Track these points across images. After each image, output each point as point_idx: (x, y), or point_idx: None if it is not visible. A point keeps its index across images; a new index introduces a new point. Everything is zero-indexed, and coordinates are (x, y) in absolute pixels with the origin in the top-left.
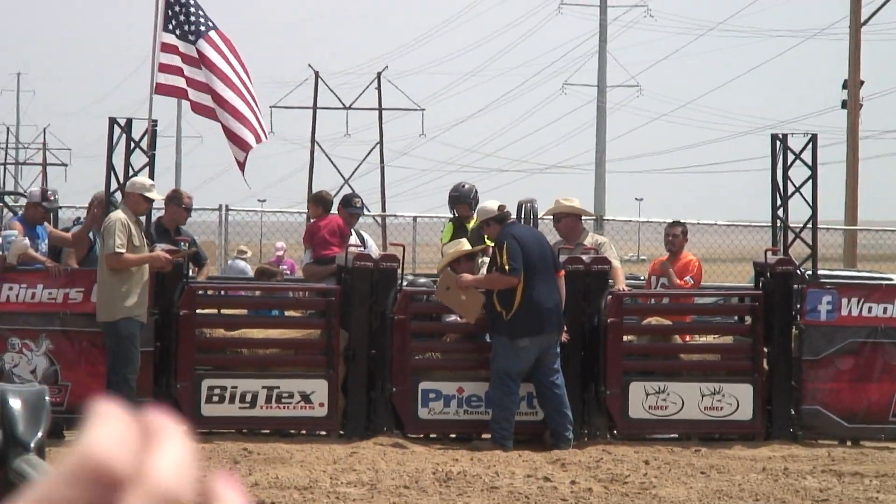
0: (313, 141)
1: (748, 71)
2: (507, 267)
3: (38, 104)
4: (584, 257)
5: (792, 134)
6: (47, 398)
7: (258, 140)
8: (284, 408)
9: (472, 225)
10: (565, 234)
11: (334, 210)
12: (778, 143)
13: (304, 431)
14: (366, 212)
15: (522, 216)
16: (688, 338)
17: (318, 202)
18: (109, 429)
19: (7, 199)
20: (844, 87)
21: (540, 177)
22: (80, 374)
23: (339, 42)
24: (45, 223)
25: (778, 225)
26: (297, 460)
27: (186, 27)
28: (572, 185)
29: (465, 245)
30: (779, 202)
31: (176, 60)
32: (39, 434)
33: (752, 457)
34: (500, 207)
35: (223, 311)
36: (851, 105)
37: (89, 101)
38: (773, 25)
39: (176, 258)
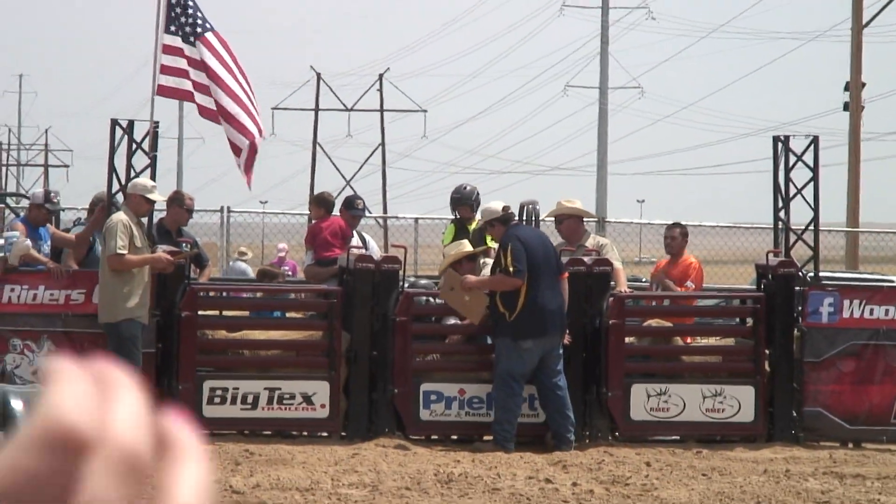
0: (315, 142)
1: (750, 73)
2: (511, 268)
3: (39, 106)
4: (586, 259)
5: (794, 136)
6: None
7: (254, 148)
8: (286, 409)
9: (473, 226)
10: (567, 236)
11: (336, 212)
12: (780, 144)
13: (305, 433)
14: (367, 213)
15: (524, 218)
16: (689, 340)
17: (320, 204)
18: (69, 390)
19: (9, 200)
20: (846, 89)
21: (542, 178)
22: None
23: (340, 44)
24: (49, 224)
25: (780, 227)
26: (299, 461)
27: (187, 28)
28: (574, 187)
29: (466, 246)
30: (780, 204)
31: (178, 62)
32: None
33: (753, 459)
34: (505, 208)
35: (225, 312)
36: (853, 107)
37: (91, 103)
38: (774, 27)
39: (177, 259)
